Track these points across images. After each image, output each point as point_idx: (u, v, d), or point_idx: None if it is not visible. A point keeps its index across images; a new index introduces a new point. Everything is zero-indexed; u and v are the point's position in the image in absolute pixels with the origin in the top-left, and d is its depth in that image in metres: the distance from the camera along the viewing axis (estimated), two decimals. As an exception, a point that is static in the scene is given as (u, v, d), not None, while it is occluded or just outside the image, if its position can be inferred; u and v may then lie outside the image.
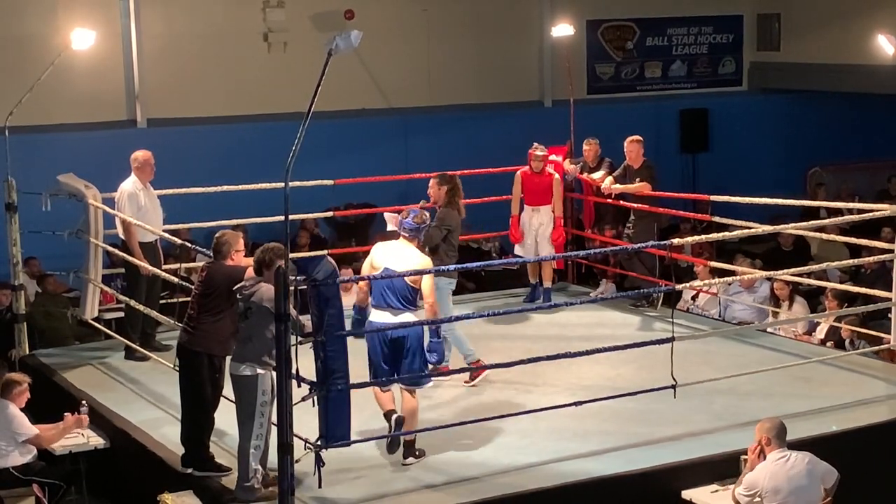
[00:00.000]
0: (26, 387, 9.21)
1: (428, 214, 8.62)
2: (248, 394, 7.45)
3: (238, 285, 7.58)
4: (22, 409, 9.15)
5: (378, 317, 8.10)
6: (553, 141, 12.68)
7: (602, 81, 18.50)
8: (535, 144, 12.06)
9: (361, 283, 8.32)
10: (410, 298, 8.14)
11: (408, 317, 8.09)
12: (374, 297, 8.16)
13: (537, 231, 12.09)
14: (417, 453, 8.11)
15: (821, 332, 11.42)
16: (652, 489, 7.88)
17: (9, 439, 8.97)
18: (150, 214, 10.51)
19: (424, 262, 8.25)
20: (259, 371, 7.42)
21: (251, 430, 7.42)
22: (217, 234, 8.12)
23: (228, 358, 7.67)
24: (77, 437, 9.24)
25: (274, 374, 7.41)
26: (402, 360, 8.05)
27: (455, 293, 13.71)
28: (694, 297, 12.53)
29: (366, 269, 8.31)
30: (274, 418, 7.09)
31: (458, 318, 9.02)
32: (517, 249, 12.35)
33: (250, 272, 7.62)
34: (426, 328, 8.25)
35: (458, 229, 9.87)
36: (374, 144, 16.33)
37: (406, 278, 8.06)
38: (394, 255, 8.18)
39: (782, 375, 9.49)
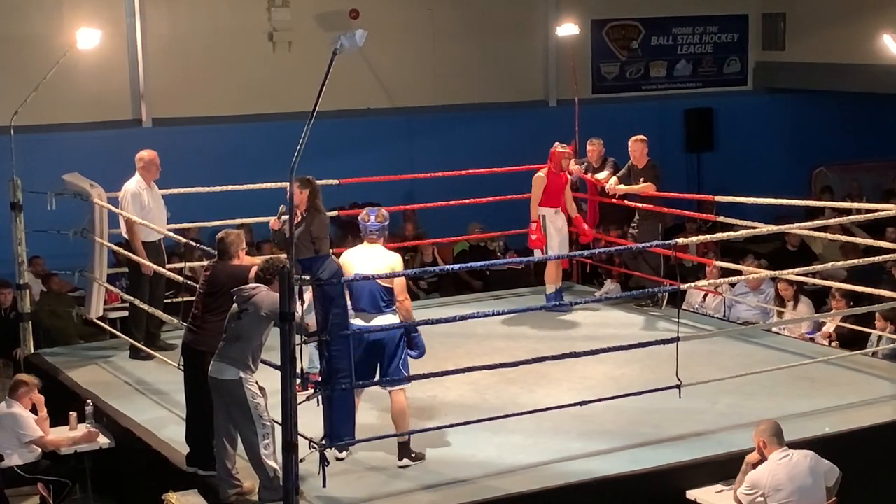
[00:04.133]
0: (33, 388, 9.22)
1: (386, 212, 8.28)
2: (237, 398, 7.39)
3: (238, 287, 7.54)
4: (31, 410, 9.17)
5: (355, 322, 7.87)
6: (558, 140, 12.66)
7: (607, 81, 18.48)
8: (557, 143, 11.83)
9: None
10: (385, 300, 7.96)
11: (385, 318, 7.93)
12: (352, 303, 7.95)
13: (560, 233, 11.87)
14: (413, 455, 7.99)
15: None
16: (656, 489, 7.87)
17: (13, 439, 8.99)
18: (154, 214, 10.52)
19: (396, 260, 8.07)
20: (242, 375, 7.35)
21: (255, 432, 7.37)
22: (220, 234, 8.12)
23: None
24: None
25: (255, 378, 7.42)
26: (381, 362, 7.92)
27: (460, 292, 13.85)
28: (702, 299, 12.50)
29: None
30: (277, 417, 7.08)
31: (462, 318, 8.92)
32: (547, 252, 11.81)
33: (255, 272, 7.61)
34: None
35: (326, 232, 9.40)
36: (379, 144, 16.33)
37: (379, 280, 7.88)
38: (363, 259, 8.03)
39: (787, 375, 9.48)
